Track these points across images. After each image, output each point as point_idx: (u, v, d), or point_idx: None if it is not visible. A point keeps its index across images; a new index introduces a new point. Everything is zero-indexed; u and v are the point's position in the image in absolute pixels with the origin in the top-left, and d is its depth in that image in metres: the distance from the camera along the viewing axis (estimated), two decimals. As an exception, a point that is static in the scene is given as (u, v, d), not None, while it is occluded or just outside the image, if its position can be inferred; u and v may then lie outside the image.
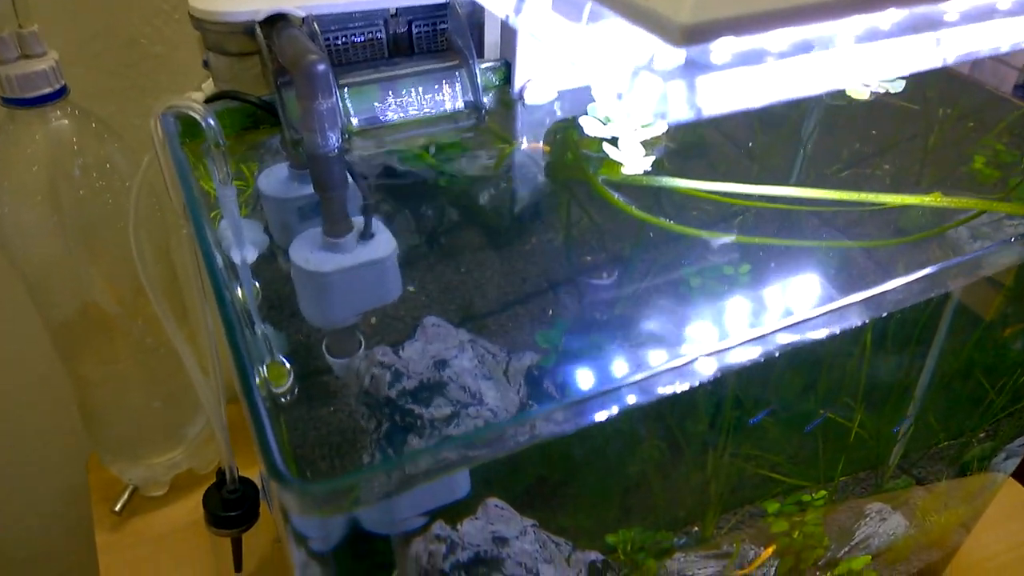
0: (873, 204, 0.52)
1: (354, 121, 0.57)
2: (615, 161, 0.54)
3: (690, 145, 0.59)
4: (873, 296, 0.43)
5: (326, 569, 0.56)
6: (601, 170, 0.55)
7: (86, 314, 0.70)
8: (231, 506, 0.68)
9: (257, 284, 0.52)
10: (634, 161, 0.54)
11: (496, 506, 0.56)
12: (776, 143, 0.62)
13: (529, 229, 0.56)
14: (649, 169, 0.55)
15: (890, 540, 0.73)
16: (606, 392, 0.38)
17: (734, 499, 0.71)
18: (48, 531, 0.93)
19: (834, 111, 0.63)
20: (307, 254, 0.49)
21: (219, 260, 0.48)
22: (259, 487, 0.71)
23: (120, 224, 0.64)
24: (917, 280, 0.43)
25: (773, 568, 0.71)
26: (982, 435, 0.79)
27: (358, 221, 0.51)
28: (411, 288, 0.54)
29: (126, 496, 0.76)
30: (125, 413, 0.75)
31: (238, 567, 0.73)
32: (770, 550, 0.68)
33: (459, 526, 0.55)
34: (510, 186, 0.58)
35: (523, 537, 0.56)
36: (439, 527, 0.53)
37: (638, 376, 0.39)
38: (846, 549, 0.72)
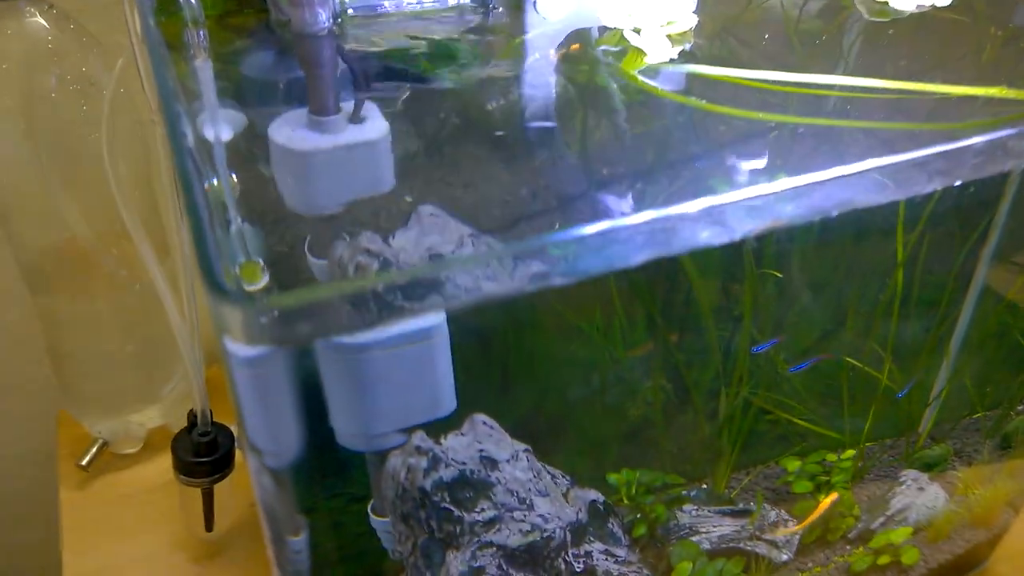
0: (935, 94, 0.48)
1: (350, 11, 0.53)
2: (638, 50, 0.50)
3: (717, 56, 0.55)
4: (918, 160, 0.38)
5: (285, 490, 0.51)
6: (623, 62, 0.51)
7: (59, 243, 0.65)
8: (203, 452, 0.63)
9: (235, 177, 0.48)
10: (658, 51, 0.50)
11: (484, 423, 0.51)
12: (812, 60, 0.58)
13: (539, 136, 0.52)
14: (675, 58, 0.51)
15: (930, 514, 0.67)
16: (612, 228, 0.33)
17: (749, 456, 0.65)
18: (14, 494, 0.88)
19: (876, 27, 0.60)
20: (289, 132, 0.45)
21: (190, 140, 0.43)
22: (235, 436, 0.66)
23: (96, 136, 0.60)
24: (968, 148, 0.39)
25: (796, 538, 0.65)
26: (1021, 407, 0.74)
27: (347, 107, 0.47)
28: (408, 198, 0.50)
29: (94, 450, 0.71)
30: (97, 358, 0.70)
31: (209, 526, 0.67)
32: (831, 497, 0.62)
33: (442, 440, 0.50)
34: (518, 87, 0.54)
35: (515, 462, 0.51)
36: (420, 438, 0.49)
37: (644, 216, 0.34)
38: (880, 520, 0.67)
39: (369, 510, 0.56)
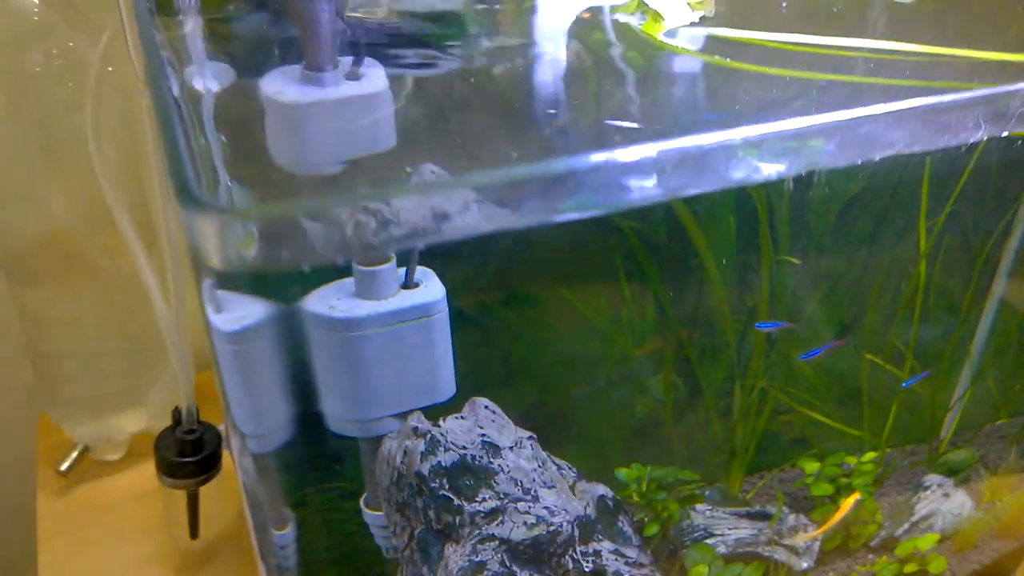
0: (962, 58, 0.45)
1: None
2: (656, 13, 0.48)
3: (737, 23, 0.52)
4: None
5: (270, 479, 0.47)
6: (644, 25, 0.49)
7: (42, 233, 0.63)
8: (188, 451, 0.60)
9: (223, 138, 0.45)
10: (678, 15, 0.48)
11: (487, 408, 0.48)
12: (833, 24, 0.55)
13: (549, 102, 0.50)
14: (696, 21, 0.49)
15: (956, 522, 0.64)
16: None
17: (765, 458, 0.62)
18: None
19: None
20: (281, 87, 0.43)
21: (175, 89, 0.41)
22: (222, 435, 0.63)
23: (83, 117, 0.58)
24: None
25: (817, 544, 0.61)
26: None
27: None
28: (408, 170, 0.47)
29: (75, 455, 0.67)
30: (81, 356, 0.67)
31: (194, 533, 0.64)
32: (853, 498, 0.58)
33: (441, 422, 0.46)
34: (528, 54, 0.52)
35: (519, 449, 0.48)
36: (417, 420, 0.45)
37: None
38: (905, 527, 0.63)
39: (362, 503, 0.52)
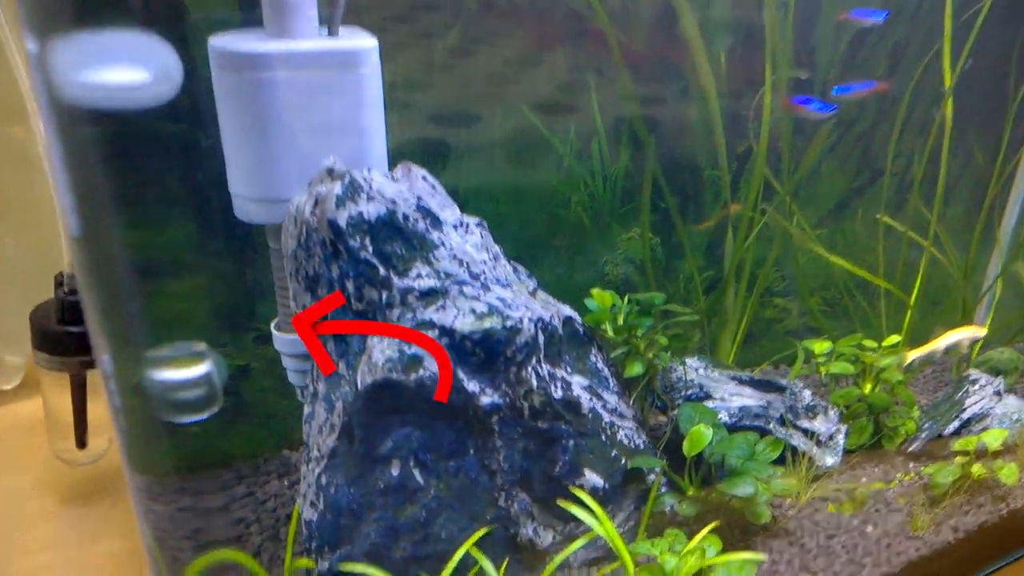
0: None
1: None
2: None
3: None
4: None
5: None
6: None
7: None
8: (70, 317, 0.49)
9: None
10: None
11: (424, 179, 0.39)
12: None
13: None
14: None
15: (1019, 430, 0.52)
16: None
17: (760, 346, 0.51)
18: None
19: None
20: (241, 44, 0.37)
21: None
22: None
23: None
24: None
25: (841, 438, 0.50)
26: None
27: None
28: None
29: (-49, 375, 0.57)
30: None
31: (81, 439, 0.52)
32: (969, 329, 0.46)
33: (366, 173, 0.37)
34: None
35: (464, 232, 0.38)
36: (333, 161, 0.36)
37: None
38: (954, 425, 0.51)
39: (272, 327, 0.42)
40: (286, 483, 0.48)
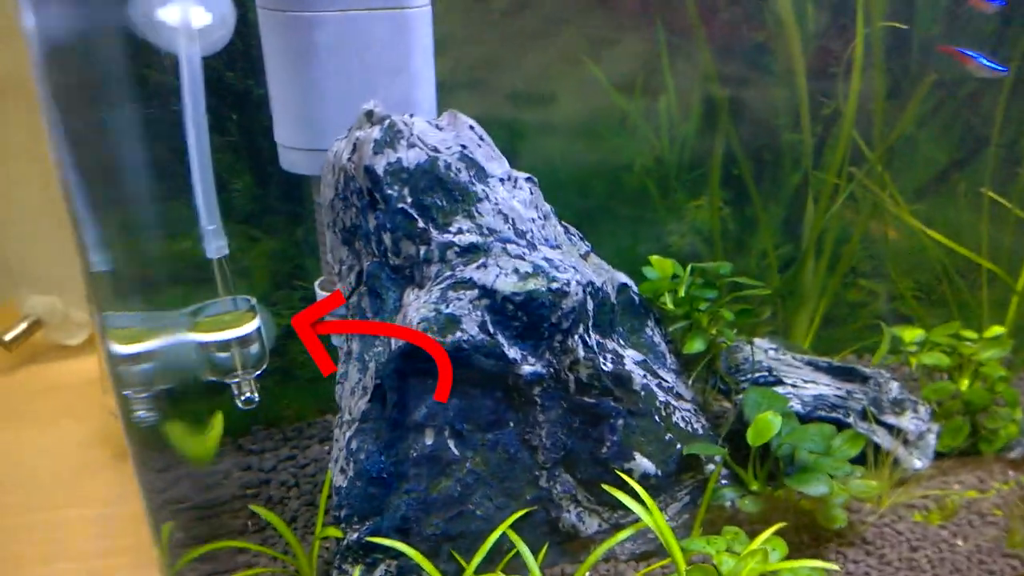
0: None
1: None
2: None
3: None
4: None
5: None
6: None
7: None
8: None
9: None
10: None
11: (472, 128, 0.36)
12: None
13: None
14: None
15: None
16: None
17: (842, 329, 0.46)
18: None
19: None
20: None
21: None
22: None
23: None
24: None
25: (932, 438, 0.45)
26: None
27: None
28: None
29: (23, 326, 0.58)
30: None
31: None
32: None
33: (407, 117, 0.35)
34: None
35: (511, 186, 0.36)
36: (374, 103, 0.34)
37: None
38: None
39: (316, 286, 0.40)
40: (327, 448, 0.46)
